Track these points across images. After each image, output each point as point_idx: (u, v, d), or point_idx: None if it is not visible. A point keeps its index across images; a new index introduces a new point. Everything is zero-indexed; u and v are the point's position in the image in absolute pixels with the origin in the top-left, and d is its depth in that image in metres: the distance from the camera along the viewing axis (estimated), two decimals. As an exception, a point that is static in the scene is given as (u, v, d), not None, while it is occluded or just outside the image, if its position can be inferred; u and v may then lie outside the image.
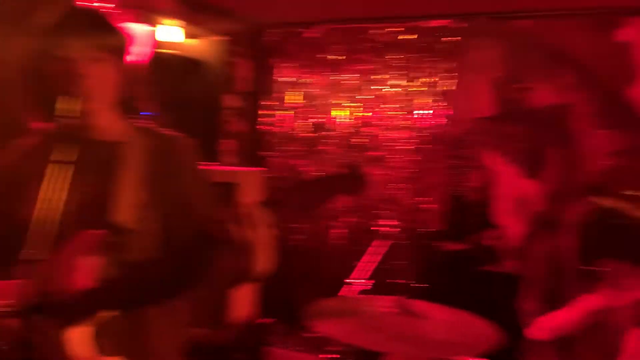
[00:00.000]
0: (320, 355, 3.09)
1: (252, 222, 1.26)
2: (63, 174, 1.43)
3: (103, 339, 1.37)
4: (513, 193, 3.92)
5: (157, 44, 3.67)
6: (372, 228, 4.08)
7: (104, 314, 1.33)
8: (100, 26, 1.45)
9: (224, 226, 1.29)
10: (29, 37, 1.44)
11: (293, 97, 4.41)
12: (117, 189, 1.41)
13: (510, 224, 3.49)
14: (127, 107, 1.54)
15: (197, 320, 2.62)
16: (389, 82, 4.07)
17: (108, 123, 1.50)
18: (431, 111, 3.95)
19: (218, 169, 2.80)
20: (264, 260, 1.35)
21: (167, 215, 1.47)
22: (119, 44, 1.48)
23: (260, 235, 1.28)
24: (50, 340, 0.93)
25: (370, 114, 4.15)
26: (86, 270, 1.34)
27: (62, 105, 1.37)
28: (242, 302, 2.70)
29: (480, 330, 2.20)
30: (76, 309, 1.30)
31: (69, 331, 1.30)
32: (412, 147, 4.01)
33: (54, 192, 1.41)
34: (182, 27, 3.97)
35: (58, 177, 1.43)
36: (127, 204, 1.40)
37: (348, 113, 4.23)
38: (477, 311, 2.39)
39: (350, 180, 1.27)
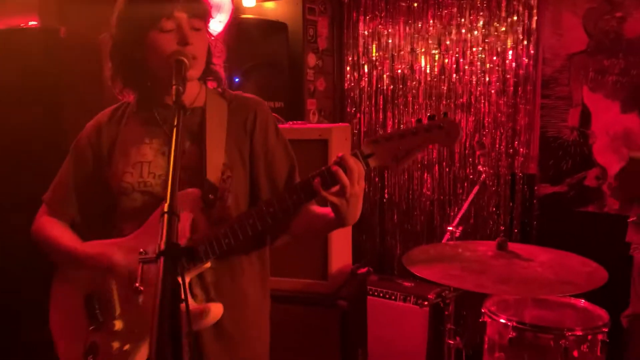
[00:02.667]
0: (415, 302, 3.14)
1: (346, 173, 1.31)
2: (154, 139, 1.51)
3: (198, 288, 1.48)
4: (613, 129, 3.77)
5: (236, 10, 3.73)
6: (467, 175, 4.05)
7: (200, 265, 1.43)
8: None
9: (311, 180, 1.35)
10: (124, 11, 1.47)
11: (375, 50, 4.36)
12: (207, 152, 1.47)
13: (612, 162, 3.36)
14: (207, 73, 1.58)
15: (302, 271, 2.74)
16: (472, 25, 3.95)
17: (191, 90, 1.53)
18: (518, 51, 3.80)
19: (309, 127, 2.84)
20: (353, 209, 1.38)
21: (253, 171, 1.55)
22: (207, 12, 1.50)
23: (352, 185, 1.32)
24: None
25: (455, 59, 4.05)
26: (186, 225, 1.42)
27: (159, 73, 1.42)
28: (342, 252, 2.77)
29: (585, 269, 2.16)
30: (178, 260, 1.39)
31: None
32: (501, 90, 3.89)
33: (146, 157, 1.50)
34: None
35: (151, 144, 1.52)
36: (216, 164, 1.47)
37: (431, 61, 4.15)
38: (576, 252, 2.35)
39: (441, 130, 1.28)
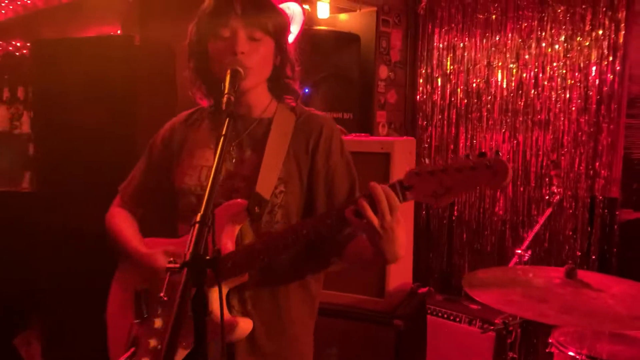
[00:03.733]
0: (481, 327, 3.00)
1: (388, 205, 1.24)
2: (216, 146, 1.52)
3: (236, 300, 1.46)
4: None
5: (309, 21, 3.74)
6: (542, 196, 3.86)
7: (240, 278, 1.41)
8: (260, 7, 1.47)
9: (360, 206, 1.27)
10: (197, 20, 1.51)
11: (449, 63, 4.26)
12: (262, 163, 1.46)
13: None
14: (277, 85, 1.57)
15: (359, 287, 2.69)
16: (554, 39, 3.77)
17: (261, 100, 1.55)
18: (602, 67, 3.59)
19: (371, 139, 2.79)
20: (390, 243, 1.28)
21: (312, 188, 1.51)
22: (278, 24, 1.49)
23: (381, 217, 1.24)
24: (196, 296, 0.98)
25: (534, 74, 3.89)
26: (230, 235, 1.41)
27: (223, 81, 1.43)
28: (401, 270, 2.70)
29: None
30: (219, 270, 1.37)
31: (209, 290, 1.38)
32: (583, 107, 3.68)
33: (208, 161, 1.52)
34: (331, 2, 4.00)
35: (212, 149, 1.53)
36: (270, 177, 1.45)
37: (508, 76, 4.00)
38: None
39: (488, 170, 1.15)
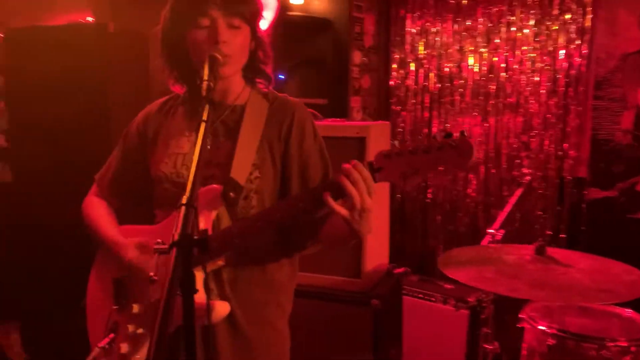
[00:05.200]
0: (455, 305, 3.08)
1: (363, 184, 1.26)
2: (196, 132, 1.53)
3: (214, 283, 1.48)
4: (670, 133, 3.58)
5: (283, 7, 3.75)
6: (513, 177, 3.96)
7: (215, 262, 1.44)
8: None
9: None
10: (171, 7, 1.51)
11: (422, 48, 4.31)
12: (236, 149, 1.48)
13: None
14: (251, 70, 1.57)
15: (335, 269, 2.74)
16: (523, 23, 3.84)
17: (234, 87, 1.56)
18: (570, 50, 3.68)
19: (347, 124, 2.83)
20: (366, 223, 1.32)
21: (286, 173, 1.53)
22: (254, 11, 1.50)
23: (362, 198, 1.26)
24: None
25: (504, 58, 3.96)
26: (207, 221, 1.43)
27: (199, 69, 1.44)
28: (378, 251, 2.75)
29: (628, 277, 2.07)
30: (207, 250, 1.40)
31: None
32: (552, 90, 3.77)
33: (183, 149, 1.54)
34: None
35: (190, 136, 1.55)
36: (244, 163, 1.47)
37: (480, 60, 4.06)
38: (626, 260, 2.25)
39: (454, 150, 1.17)
